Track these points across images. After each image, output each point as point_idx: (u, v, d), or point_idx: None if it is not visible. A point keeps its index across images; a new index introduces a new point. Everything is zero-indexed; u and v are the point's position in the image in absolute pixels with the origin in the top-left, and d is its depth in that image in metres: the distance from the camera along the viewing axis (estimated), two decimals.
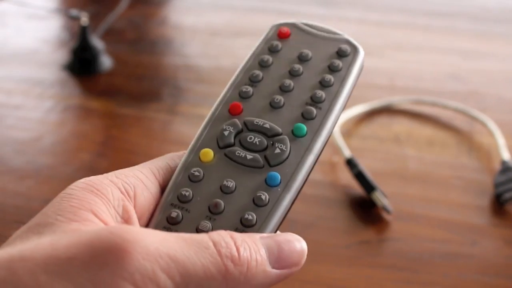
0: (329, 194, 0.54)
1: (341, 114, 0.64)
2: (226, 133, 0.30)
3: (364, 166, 0.54)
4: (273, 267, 0.25)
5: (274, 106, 0.30)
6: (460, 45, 0.79)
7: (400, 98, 0.66)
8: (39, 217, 0.25)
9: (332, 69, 0.32)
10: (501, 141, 0.58)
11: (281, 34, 0.33)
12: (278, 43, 0.33)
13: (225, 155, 0.29)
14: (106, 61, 0.72)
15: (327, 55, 0.32)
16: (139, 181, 0.28)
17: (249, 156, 0.29)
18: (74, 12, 0.75)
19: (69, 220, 0.24)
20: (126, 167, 0.29)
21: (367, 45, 0.82)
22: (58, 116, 0.65)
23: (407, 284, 0.46)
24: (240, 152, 0.29)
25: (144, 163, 0.30)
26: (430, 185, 0.55)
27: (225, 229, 0.26)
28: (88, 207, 0.25)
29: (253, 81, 0.31)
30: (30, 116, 0.64)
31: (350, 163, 0.54)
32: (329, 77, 0.31)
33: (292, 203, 0.28)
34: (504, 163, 0.56)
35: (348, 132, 0.62)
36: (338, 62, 0.32)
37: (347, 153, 0.56)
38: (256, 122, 0.30)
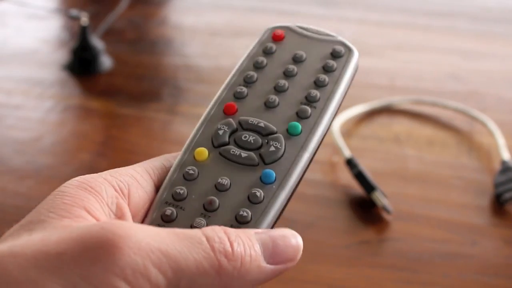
0: (329, 194, 0.54)
1: (341, 114, 0.63)
2: (220, 132, 0.30)
3: (364, 166, 0.54)
4: (268, 263, 0.25)
5: (268, 106, 0.31)
6: (460, 45, 0.79)
7: (400, 98, 0.66)
8: (32, 215, 0.25)
9: (326, 70, 0.32)
10: (501, 141, 0.58)
11: (276, 36, 0.34)
12: (272, 45, 0.33)
13: (220, 154, 0.29)
14: (106, 61, 0.72)
15: (321, 56, 0.32)
16: (134, 179, 0.28)
17: (244, 154, 0.29)
18: (74, 12, 0.75)
19: (61, 217, 0.24)
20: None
21: (367, 45, 0.83)
22: (58, 116, 0.65)
23: (407, 284, 0.46)
24: (234, 150, 0.29)
25: (140, 163, 0.30)
26: (430, 185, 0.55)
27: (220, 225, 0.26)
28: (81, 204, 0.25)
29: (247, 82, 0.32)
30: (30, 116, 0.64)
31: (350, 163, 0.54)
32: (324, 77, 0.31)
33: (288, 201, 0.28)
34: (504, 163, 0.56)
35: (348, 132, 0.62)
36: (333, 63, 0.32)
37: (347, 153, 0.56)
38: (251, 121, 0.30)
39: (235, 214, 0.27)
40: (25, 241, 0.23)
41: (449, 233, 0.50)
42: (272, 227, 0.28)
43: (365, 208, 0.52)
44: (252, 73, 0.32)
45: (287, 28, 0.34)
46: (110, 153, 0.59)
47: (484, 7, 0.90)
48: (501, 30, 0.84)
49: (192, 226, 0.27)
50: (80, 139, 0.62)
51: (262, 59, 0.32)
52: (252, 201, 0.27)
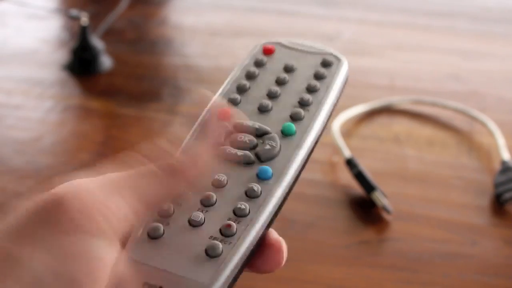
0: (329, 194, 0.54)
1: (341, 114, 0.63)
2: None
3: (364, 166, 0.54)
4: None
5: (262, 110, 0.31)
6: (460, 45, 0.79)
7: (400, 98, 0.66)
8: None
9: (317, 77, 0.32)
10: (501, 141, 0.58)
11: (266, 50, 0.34)
12: (263, 58, 0.34)
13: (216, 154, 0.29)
14: (106, 61, 0.72)
15: (312, 65, 0.33)
16: None
17: (240, 153, 0.29)
18: (74, 12, 0.75)
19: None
20: None
21: (367, 45, 0.83)
22: (58, 116, 0.65)
23: (407, 284, 0.46)
24: (230, 150, 0.29)
25: None
26: (430, 185, 0.55)
27: (218, 219, 0.27)
28: None
29: (240, 90, 0.32)
30: (30, 116, 0.64)
31: (350, 163, 0.54)
32: (315, 83, 0.32)
33: (285, 198, 0.28)
34: (504, 163, 0.56)
35: (348, 132, 0.62)
36: (323, 71, 0.33)
37: (347, 153, 0.56)
38: (245, 123, 0.30)
39: (233, 207, 0.27)
40: None
41: (449, 233, 0.50)
42: (270, 224, 0.28)
43: (365, 208, 0.52)
44: (244, 82, 0.32)
45: (277, 43, 0.35)
46: (110, 153, 0.59)
47: (484, 7, 0.90)
48: (501, 30, 0.84)
49: (189, 220, 0.27)
50: (80, 139, 0.62)
51: (254, 69, 0.33)
52: (249, 195, 0.27)
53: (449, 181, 0.55)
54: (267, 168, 0.28)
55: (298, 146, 0.29)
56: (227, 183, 0.28)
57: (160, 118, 0.64)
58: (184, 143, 0.30)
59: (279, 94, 0.32)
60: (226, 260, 0.25)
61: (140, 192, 0.25)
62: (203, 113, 0.31)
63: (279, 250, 0.27)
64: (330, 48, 0.34)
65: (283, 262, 0.27)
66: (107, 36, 0.78)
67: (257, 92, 0.32)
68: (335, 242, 0.49)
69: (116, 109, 0.65)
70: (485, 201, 0.53)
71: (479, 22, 0.85)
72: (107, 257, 0.23)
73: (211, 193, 0.28)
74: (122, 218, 0.24)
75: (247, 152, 0.29)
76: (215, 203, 0.27)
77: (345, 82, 0.33)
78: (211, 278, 0.25)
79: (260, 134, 0.30)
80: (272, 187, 0.28)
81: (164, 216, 0.27)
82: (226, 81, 0.33)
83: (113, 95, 0.67)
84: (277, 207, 0.28)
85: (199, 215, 0.27)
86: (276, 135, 0.30)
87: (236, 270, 0.26)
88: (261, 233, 0.27)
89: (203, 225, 0.27)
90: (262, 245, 0.27)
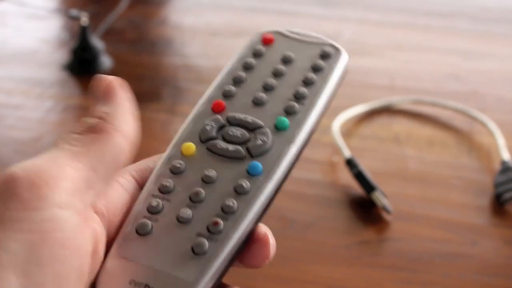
0: (329, 194, 0.54)
1: (341, 114, 0.63)
2: (208, 127, 0.30)
3: (364, 166, 0.54)
4: None
5: (256, 103, 0.31)
6: (460, 45, 0.79)
7: (400, 98, 0.66)
8: None
9: (315, 69, 0.32)
10: (501, 141, 0.58)
11: (265, 40, 0.34)
12: (261, 48, 0.33)
13: (207, 148, 0.29)
14: (106, 61, 0.72)
15: (310, 57, 0.33)
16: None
17: (231, 148, 0.29)
18: (74, 12, 0.75)
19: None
20: None
21: (367, 45, 0.83)
22: (58, 116, 0.65)
23: (407, 284, 0.46)
24: (222, 144, 0.29)
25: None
26: (430, 185, 0.55)
27: (206, 216, 0.26)
28: None
29: (236, 82, 0.32)
30: (30, 116, 0.64)
31: (350, 163, 0.54)
32: (312, 75, 0.31)
33: (275, 194, 0.28)
34: (504, 163, 0.56)
35: (348, 132, 0.62)
36: (321, 63, 0.32)
37: (347, 153, 0.56)
38: (238, 117, 0.30)
39: (221, 204, 0.27)
40: None
41: (449, 233, 0.50)
42: (259, 219, 0.27)
43: (365, 208, 0.52)
44: (241, 73, 0.32)
45: (277, 32, 0.34)
46: None
47: (484, 7, 0.90)
48: (501, 30, 0.84)
49: (177, 217, 0.27)
50: None
51: (251, 60, 0.33)
52: (238, 192, 0.27)
53: (449, 181, 0.55)
54: (257, 164, 0.28)
55: (291, 142, 0.29)
56: (217, 178, 0.28)
57: (160, 118, 0.64)
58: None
59: (275, 87, 0.31)
60: (211, 258, 0.25)
61: (88, 160, 0.24)
62: (196, 106, 0.31)
63: (266, 244, 0.27)
64: (330, 40, 0.33)
65: (271, 256, 0.27)
66: (107, 36, 0.78)
67: (253, 84, 0.32)
68: (335, 242, 0.49)
69: None
70: (485, 201, 0.53)
71: (479, 22, 0.85)
72: (65, 229, 0.23)
73: (200, 189, 0.27)
74: (75, 189, 0.24)
75: (238, 147, 0.29)
76: (204, 199, 0.27)
77: (344, 75, 0.33)
78: (197, 276, 0.25)
79: (253, 128, 0.30)
80: (261, 183, 0.27)
81: (153, 212, 0.27)
82: (223, 72, 0.32)
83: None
84: (266, 203, 0.27)
85: (187, 212, 0.27)
86: (268, 130, 0.29)
87: (222, 267, 0.26)
88: (248, 229, 0.27)
89: (191, 221, 0.27)
90: (249, 239, 0.27)
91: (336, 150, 0.57)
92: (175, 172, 0.28)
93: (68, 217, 0.23)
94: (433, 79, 0.72)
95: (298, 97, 0.31)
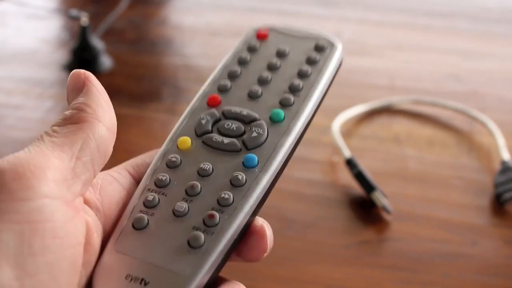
0: (329, 194, 0.54)
1: (341, 114, 0.63)
2: (203, 121, 0.30)
3: (364, 166, 0.54)
4: None
5: (252, 97, 0.31)
6: (460, 45, 0.79)
7: (400, 98, 0.66)
8: None
9: (309, 62, 0.32)
10: (501, 141, 0.58)
11: (260, 35, 0.34)
12: (256, 43, 0.33)
13: (203, 142, 0.29)
14: (106, 61, 0.72)
15: (304, 50, 0.33)
16: (107, 175, 0.28)
17: (226, 141, 0.29)
18: (74, 12, 0.75)
19: None
20: None
21: (367, 45, 0.83)
22: (58, 116, 0.64)
23: (407, 284, 0.46)
24: (217, 138, 0.29)
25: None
26: (430, 185, 0.55)
27: (202, 209, 0.26)
28: None
29: (231, 76, 0.32)
30: (30, 116, 0.64)
31: (350, 163, 0.54)
32: (307, 68, 0.31)
33: (271, 187, 0.28)
34: (504, 163, 0.56)
35: (348, 132, 0.62)
36: (316, 55, 0.32)
37: (347, 153, 0.56)
38: (234, 110, 0.30)
39: (217, 197, 0.27)
40: None
41: (449, 233, 0.50)
42: (255, 212, 0.27)
43: (365, 208, 0.52)
44: (236, 68, 0.32)
45: (271, 28, 0.34)
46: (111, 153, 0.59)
47: (484, 7, 0.90)
48: (501, 30, 0.84)
49: (173, 210, 0.27)
50: None
51: (246, 55, 0.33)
52: (234, 184, 0.27)
53: (449, 181, 0.55)
54: (253, 156, 0.28)
55: (286, 133, 0.29)
56: (212, 171, 0.28)
57: (160, 118, 0.64)
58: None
59: (270, 80, 0.31)
60: (208, 251, 0.25)
61: (71, 149, 0.25)
62: (192, 101, 0.31)
63: (262, 236, 0.27)
64: (324, 33, 0.34)
65: (268, 249, 0.27)
66: (107, 36, 0.78)
67: (248, 78, 0.32)
68: (335, 242, 0.49)
69: (116, 109, 0.65)
70: (485, 201, 0.53)
71: (479, 22, 0.85)
72: (55, 218, 0.23)
73: (196, 182, 0.27)
74: (61, 178, 0.24)
75: (234, 140, 0.29)
76: (200, 192, 0.27)
77: (339, 67, 0.33)
78: (192, 270, 0.25)
79: (249, 121, 0.30)
80: (257, 175, 0.27)
81: (149, 207, 0.27)
82: (218, 67, 0.33)
83: (113, 95, 0.67)
84: (262, 195, 0.27)
85: (183, 205, 0.27)
86: (264, 122, 0.29)
87: (219, 261, 0.25)
88: (245, 222, 0.26)
89: (187, 215, 0.26)
90: (246, 232, 0.27)
91: (336, 150, 0.57)
92: (171, 166, 0.28)
93: (56, 206, 0.23)
94: (433, 79, 0.72)
95: (293, 90, 0.31)
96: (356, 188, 0.54)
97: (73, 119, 0.26)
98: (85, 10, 0.76)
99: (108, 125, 0.26)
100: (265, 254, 0.27)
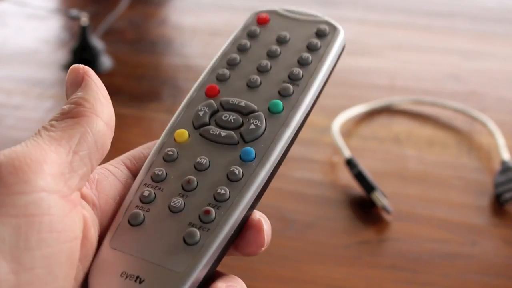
0: (329, 194, 0.54)
1: (341, 114, 0.63)
2: (201, 113, 0.29)
3: (364, 166, 0.54)
4: None
5: (250, 86, 0.30)
6: (460, 45, 0.79)
7: (400, 98, 0.66)
8: None
9: (310, 48, 0.31)
10: (501, 141, 0.58)
11: (260, 20, 0.33)
12: (256, 28, 0.32)
13: (200, 134, 0.29)
14: (106, 61, 0.72)
15: (305, 36, 0.32)
16: (104, 169, 0.28)
17: (223, 133, 0.28)
18: (74, 12, 0.75)
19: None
20: None
21: (367, 45, 0.83)
22: None
23: (407, 284, 0.46)
24: (214, 130, 0.28)
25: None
26: (430, 185, 0.55)
27: (198, 204, 0.26)
28: None
29: (230, 64, 0.31)
30: (30, 116, 0.64)
31: (350, 163, 0.54)
32: (307, 55, 0.31)
33: (269, 180, 0.27)
34: (504, 163, 0.56)
35: (348, 132, 0.62)
36: (317, 41, 0.31)
37: (347, 153, 0.56)
38: (232, 101, 0.29)
39: (213, 192, 0.26)
40: None
41: (449, 233, 0.50)
42: (253, 207, 0.27)
43: (365, 208, 0.52)
44: (235, 55, 0.31)
45: (272, 11, 0.33)
46: (110, 153, 0.59)
47: (484, 7, 0.90)
48: (501, 30, 0.84)
49: (169, 206, 0.26)
50: None
51: (245, 41, 0.32)
52: (231, 179, 0.27)
53: (449, 181, 0.55)
54: (250, 149, 0.27)
55: (284, 125, 0.28)
56: (209, 165, 0.27)
57: (160, 118, 0.64)
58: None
59: (270, 68, 0.30)
60: (203, 248, 0.25)
61: (68, 143, 0.24)
62: (191, 92, 0.31)
63: (259, 230, 0.26)
64: (325, 16, 0.33)
65: (266, 243, 0.27)
66: (107, 36, 0.78)
67: (248, 66, 0.31)
68: (335, 242, 0.49)
69: (116, 109, 0.65)
70: (485, 201, 0.53)
71: (479, 22, 0.85)
72: (51, 212, 0.23)
73: (192, 177, 0.27)
74: (58, 172, 0.24)
75: (231, 133, 0.28)
76: (196, 187, 0.27)
77: (341, 53, 0.32)
78: (188, 267, 0.24)
79: (247, 112, 0.29)
80: (254, 169, 0.27)
81: (145, 202, 0.27)
82: (218, 55, 0.32)
83: (113, 95, 0.67)
84: (259, 190, 0.27)
85: (179, 201, 0.26)
86: (261, 114, 0.29)
87: (215, 257, 0.25)
88: (241, 217, 0.26)
89: (183, 211, 0.26)
90: (244, 227, 0.26)
91: (336, 150, 0.57)
92: (167, 160, 0.28)
93: (53, 200, 0.23)
94: (433, 79, 0.71)
95: (293, 79, 0.30)
96: (356, 188, 0.54)
97: (71, 114, 0.26)
98: (85, 10, 0.76)
99: (106, 120, 0.26)
100: (262, 248, 0.27)
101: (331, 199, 0.53)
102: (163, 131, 0.30)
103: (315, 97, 0.30)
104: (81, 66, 0.27)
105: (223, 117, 0.29)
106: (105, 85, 0.28)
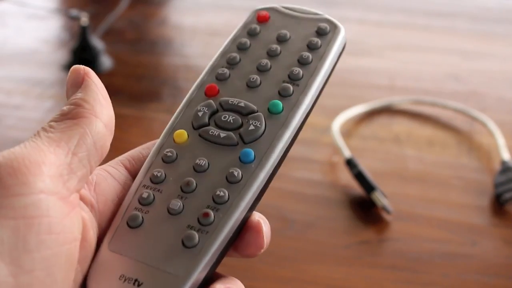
0: (329, 194, 0.54)
1: (341, 114, 0.63)
2: (200, 114, 0.29)
3: (364, 166, 0.54)
4: None
5: (250, 86, 0.30)
6: (460, 45, 0.79)
7: (400, 98, 0.66)
8: None
9: (310, 47, 0.31)
10: (501, 141, 0.58)
11: (260, 17, 0.33)
12: (256, 27, 0.32)
13: (199, 135, 0.28)
14: (106, 61, 0.72)
15: (306, 34, 0.31)
16: (102, 170, 0.28)
17: (223, 134, 0.28)
18: (74, 12, 0.75)
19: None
20: None
21: (367, 45, 0.83)
22: None
23: (407, 284, 0.46)
24: (214, 131, 0.28)
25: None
26: (430, 185, 0.55)
27: (197, 207, 0.26)
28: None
29: (230, 63, 0.31)
30: (30, 116, 0.64)
31: (350, 163, 0.54)
32: (307, 54, 0.30)
33: (268, 181, 0.27)
34: (504, 163, 0.55)
35: (348, 132, 0.62)
36: (317, 40, 0.31)
37: (347, 153, 0.56)
38: (231, 101, 0.29)
39: (212, 194, 0.26)
40: None
41: (449, 233, 0.50)
42: (252, 208, 0.27)
43: (365, 208, 0.52)
44: (235, 54, 0.31)
45: (272, 9, 0.33)
46: (110, 153, 0.59)
47: (484, 7, 0.90)
48: (501, 30, 0.84)
49: (168, 208, 0.26)
50: None
51: (245, 40, 0.32)
52: (230, 181, 0.26)
53: (449, 181, 0.55)
54: (249, 150, 0.27)
55: (284, 126, 0.28)
56: (208, 167, 0.27)
57: (160, 118, 0.64)
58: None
59: (270, 68, 0.30)
60: (202, 251, 0.25)
61: (67, 144, 0.24)
62: (190, 92, 0.30)
63: (259, 232, 0.26)
64: (326, 15, 0.32)
65: (265, 245, 0.26)
66: (107, 36, 0.78)
67: (248, 66, 0.30)
68: (335, 242, 0.49)
69: (116, 109, 0.64)
70: (485, 201, 0.53)
71: (479, 22, 0.85)
72: (50, 214, 0.23)
73: (191, 179, 0.27)
74: (57, 174, 0.23)
75: (230, 134, 0.28)
76: (195, 189, 0.26)
77: (341, 51, 0.31)
78: (187, 270, 0.24)
79: (246, 112, 0.29)
80: (253, 171, 0.27)
81: (144, 204, 0.26)
82: (217, 54, 0.32)
83: (113, 95, 0.67)
84: (258, 192, 0.27)
85: (178, 203, 0.26)
86: (261, 114, 0.28)
87: (214, 260, 0.25)
88: (240, 220, 0.26)
89: (182, 213, 0.26)
90: (243, 228, 0.26)
91: (336, 150, 0.57)
92: (166, 161, 0.28)
93: (52, 202, 0.23)
94: (433, 79, 0.71)
95: (293, 78, 0.29)
96: (356, 188, 0.54)
97: (70, 115, 0.26)
98: (85, 10, 0.76)
99: (105, 121, 0.26)
100: (261, 250, 0.26)
101: (331, 199, 0.53)
102: (162, 131, 0.30)
103: (315, 97, 0.29)
104: (82, 66, 0.27)
105: (222, 118, 0.29)
106: (105, 85, 0.28)
